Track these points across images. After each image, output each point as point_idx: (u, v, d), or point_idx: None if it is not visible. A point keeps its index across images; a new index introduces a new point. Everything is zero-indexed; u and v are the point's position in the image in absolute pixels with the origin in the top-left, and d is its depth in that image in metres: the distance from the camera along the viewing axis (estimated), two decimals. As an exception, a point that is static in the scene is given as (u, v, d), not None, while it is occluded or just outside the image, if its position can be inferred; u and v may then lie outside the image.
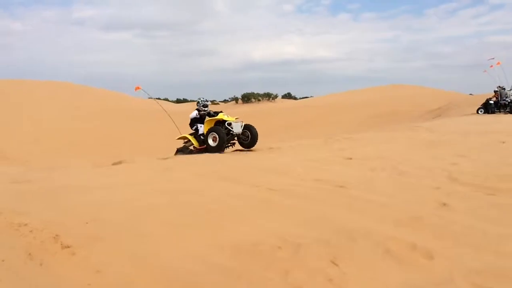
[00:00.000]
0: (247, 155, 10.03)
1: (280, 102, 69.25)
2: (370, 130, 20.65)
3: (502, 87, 24.28)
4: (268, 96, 70.60)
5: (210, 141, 10.42)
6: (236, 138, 11.04)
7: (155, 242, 3.95)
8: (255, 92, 71.10)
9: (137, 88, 12.03)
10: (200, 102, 11.46)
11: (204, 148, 10.82)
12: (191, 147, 11.33)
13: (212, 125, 10.77)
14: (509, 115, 21.30)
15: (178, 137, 11.76)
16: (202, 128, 11.14)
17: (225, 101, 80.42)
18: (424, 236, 4.16)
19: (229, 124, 10.73)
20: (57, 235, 3.94)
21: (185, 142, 11.60)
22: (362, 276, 3.28)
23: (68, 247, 3.74)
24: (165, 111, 12.85)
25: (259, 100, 69.18)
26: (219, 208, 5.03)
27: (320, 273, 3.31)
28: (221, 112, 11.17)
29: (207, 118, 11.04)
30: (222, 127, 10.63)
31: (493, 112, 22.21)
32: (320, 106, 53.56)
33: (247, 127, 10.89)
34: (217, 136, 10.28)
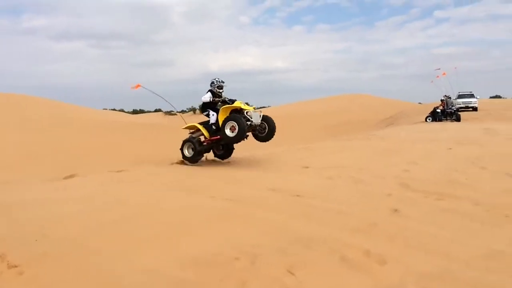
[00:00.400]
0: (200, 165, 9.96)
1: (238, 112, 69.44)
2: (326, 139, 21.07)
3: (448, 96, 25.53)
4: (226, 106, 70.56)
5: (228, 131, 9.11)
6: (251, 130, 9.77)
7: (109, 257, 3.84)
8: (214, 103, 70.80)
9: (138, 86, 10.71)
10: (215, 83, 9.94)
11: (217, 139, 9.63)
12: (201, 137, 9.98)
13: (228, 114, 9.45)
14: (455, 122, 22.37)
15: (185, 126, 10.42)
16: (214, 117, 9.72)
17: (183, 111, 79.61)
18: (378, 242, 4.27)
19: (247, 113, 9.42)
20: (3, 254, 3.76)
21: (191, 133, 10.26)
22: (317, 284, 3.33)
23: (16, 266, 3.57)
24: (171, 104, 12.78)
25: (217, 110, 69.04)
26: (175, 220, 4.96)
27: (277, 283, 3.33)
28: (235, 100, 9.71)
29: (223, 106, 9.64)
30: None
31: (440, 120, 23.27)
32: (277, 116, 53.94)
33: (265, 119, 9.76)
34: (236, 126, 8.96)
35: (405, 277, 3.51)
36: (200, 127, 9.98)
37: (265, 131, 9.70)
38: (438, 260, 3.98)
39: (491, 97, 74.16)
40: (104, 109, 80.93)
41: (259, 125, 9.64)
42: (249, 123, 9.32)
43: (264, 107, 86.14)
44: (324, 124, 42.21)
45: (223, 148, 10.37)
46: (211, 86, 9.91)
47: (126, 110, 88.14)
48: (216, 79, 9.95)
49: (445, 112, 23.55)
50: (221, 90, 9.90)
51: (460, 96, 32.46)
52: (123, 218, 5.12)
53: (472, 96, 32.82)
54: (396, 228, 4.78)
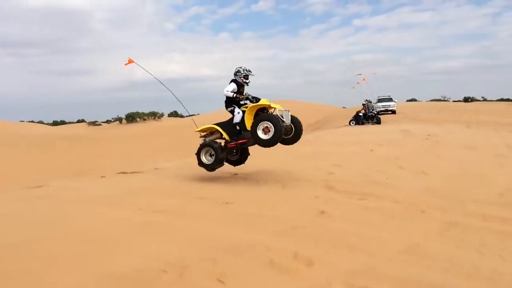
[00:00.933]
0: (127, 177, 9.62)
1: (167, 121, 68.21)
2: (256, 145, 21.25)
3: (369, 100, 26.94)
4: (154, 115, 68.98)
5: (260, 133, 7.63)
6: None
7: (25, 280, 3.56)
8: (140, 112, 69.06)
9: (130, 61, 9.01)
10: (241, 71, 8.34)
11: (243, 143, 8.18)
12: (220, 142, 8.40)
13: (254, 113, 8.07)
14: (376, 125, 23.61)
15: (199, 128, 8.70)
16: (240, 115, 8.13)
17: (108, 121, 76.80)
18: (305, 244, 4.37)
19: (278, 112, 8.03)
20: None
21: (204, 135, 8.64)
22: (248, 291, 3.32)
23: None
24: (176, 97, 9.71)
25: (144, 120, 67.26)
26: (96, 236, 4.72)
27: (207, 293, 3.28)
28: (259, 98, 8.26)
29: (250, 104, 8.10)
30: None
31: (363, 123, 24.46)
32: (207, 123, 53.82)
33: (292, 119, 8.30)
34: (271, 127, 7.52)
35: (331, 277, 3.61)
36: (218, 128, 8.40)
37: (291, 132, 8.25)
38: (362, 257, 4.14)
39: (407, 100, 79.46)
40: (21, 121, 75.78)
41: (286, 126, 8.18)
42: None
43: (193, 114, 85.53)
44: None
45: (237, 153, 8.87)
46: (235, 75, 8.36)
47: (45, 122, 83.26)
48: (243, 68, 8.41)
49: (367, 116, 24.80)
50: (247, 81, 8.41)
51: (379, 100, 34.34)
52: (40, 236, 4.78)
53: (390, 100, 34.85)
54: (323, 229, 4.92)
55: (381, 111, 31.79)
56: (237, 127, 8.17)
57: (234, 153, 8.72)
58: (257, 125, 7.64)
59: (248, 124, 7.92)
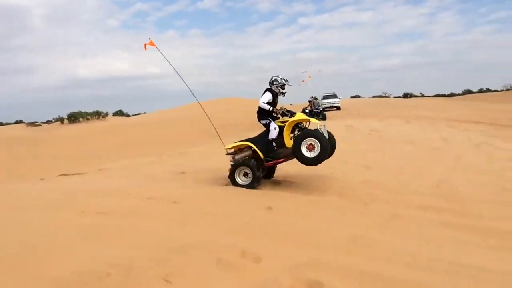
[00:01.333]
0: (69, 179, 9.26)
1: (112, 120, 66.15)
2: (203, 143, 21.17)
3: (314, 97, 27.55)
4: (98, 115, 66.54)
5: (304, 150, 6.92)
6: None
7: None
8: (83, 111, 66.41)
9: (151, 44, 8.01)
10: (279, 81, 7.63)
11: (280, 162, 7.48)
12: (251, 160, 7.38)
13: (291, 128, 7.43)
14: (321, 122, 24.18)
15: (230, 146, 7.70)
16: (276, 130, 7.42)
17: (48, 121, 73.32)
18: (252, 240, 4.40)
19: (319, 128, 7.26)
20: None
21: (233, 152, 7.68)
22: (195, 290, 3.30)
23: None
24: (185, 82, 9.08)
25: (88, 119, 64.76)
26: (39, 241, 4.50)
27: (153, 294, 3.22)
28: (294, 112, 7.66)
29: (288, 120, 7.40)
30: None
31: (309, 120, 24.95)
32: (153, 122, 52.81)
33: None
34: (317, 144, 6.86)
35: (279, 271, 3.66)
36: (251, 145, 7.52)
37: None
38: (309, 250, 4.24)
39: (351, 97, 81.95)
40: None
41: None
42: None
43: (139, 113, 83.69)
44: (202, 129, 42.35)
45: (264, 169, 7.87)
46: (272, 85, 7.67)
47: (-21, 124, 78.13)
48: (280, 77, 7.69)
49: (313, 112, 25.30)
50: (284, 91, 7.75)
51: (325, 97, 35.20)
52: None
53: (335, 96, 35.80)
54: (270, 225, 4.98)
55: (326, 107, 32.57)
56: (273, 143, 7.46)
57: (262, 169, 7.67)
58: (301, 142, 6.95)
59: (287, 140, 7.37)
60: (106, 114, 68.86)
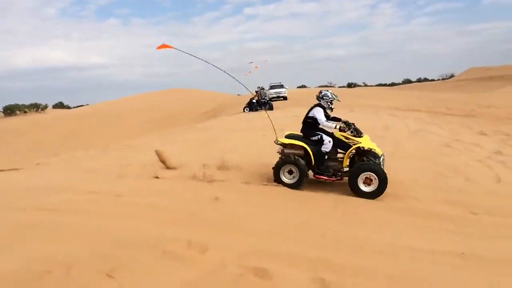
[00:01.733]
0: (4, 175, 8.76)
1: (52, 113, 63.15)
2: (150, 135, 20.73)
3: (261, 87, 27.65)
4: (36, 107, 63.25)
5: (361, 184, 6.56)
6: None
7: None
8: (20, 104, 62.86)
9: (166, 46, 7.14)
10: (330, 96, 7.32)
11: (332, 180, 7.00)
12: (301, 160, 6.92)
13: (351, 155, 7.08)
14: (269, 111, 24.33)
15: (285, 141, 7.19)
16: (330, 144, 7.00)
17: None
18: (199, 231, 4.38)
19: (377, 156, 6.93)
20: None
21: (284, 154, 7.11)
22: (139, 284, 3.24)
23: None
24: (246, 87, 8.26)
25: (25, 112, 61.38)
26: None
27: (94, 290, 3.14)
28: (361, 132, 7.12)
29: (356, 141, 6.93)
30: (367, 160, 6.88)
31: (256, 110, 25.01)
32: (97, 114, 51.05)
33: None
34: (376, 178, 6.51)
35: (226, 260, 3.67)
36: (308, 149, 7.00)
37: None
38: (256, 238, 4.28)
39: (298, 87, 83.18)
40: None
41: None
42: None
43: (82, 105, 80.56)
44: (148, 120, 41.51)
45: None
46: (321, 99, 7.34)
47: None
48: (330, 92, 7.40)
49: (260, 102, 25.42)
50: (332, 107, 7.39)
51: (272, 87, 35.41)
52: None
53: (282, 86, 36.11)
54: (217, 215, 4.98)
55: (274, 97, 32.81)
56: (325, 156, 7.10)
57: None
58: (358, 174, 6.61)
59: (346, 160, 7.06)
60: (46, 107, 65.68)
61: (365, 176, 6.57)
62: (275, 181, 6.90)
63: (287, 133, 7.39)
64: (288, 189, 6.59)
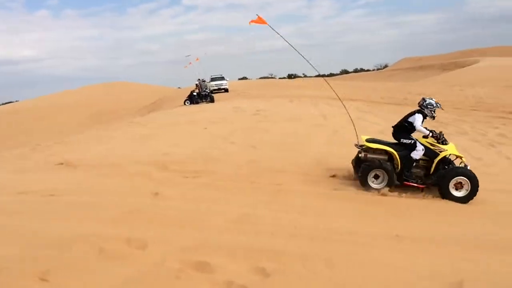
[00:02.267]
0: None
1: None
2: (86, 130, 19.97)
3: (202, 79, 27.35)
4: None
5: (452, 189, 6.59)
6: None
7: None
8: None
9: (260, 21, 7.08)
10: (434, 105, 7.11)
11: (420, 187, 6.91)
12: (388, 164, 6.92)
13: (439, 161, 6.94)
14: (210, 104, 24.16)
15: (372, 145, 7.07)
16: (421, 152, 6.92)
17: None
18: (138, 228, 4.29)
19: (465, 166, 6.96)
20: None
21: (367, 149, 7.06)
22: (75, 285, 3.12)
23: None
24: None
25: None
26: None
27: (26, 294, 2.99)
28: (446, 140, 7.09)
29: (443, 148, 6.94)
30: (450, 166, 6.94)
31: (197, 103, 24.74)
32: (29, 110, 48.32)
33: None
34: (468, 183, 6.54)
35: (166, 256, 3.63)
36: (396, 154, 6.97)
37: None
38: (196, 232, 4.26)
39: (239, 79, 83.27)
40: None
41: None
42: None
43: (11, 102, 75.85)
44: (85, 115, 39.90)
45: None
46: (425, 108, 7.13)
47: None
48: (434, 101, 7.21)
49: (201, 95, 25.16)
50: (435, 115, 7.23)
51: (212, 79, 35.13)
52: None
53: (223, 78, 35.94)
54: (157, 211, 4.91)
55: (215, 89, 32.59)
56: (414, 163, 7.05)
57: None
58: (450, 179, 6.64)
59: (434, 167, 6.99)
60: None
61: (456, 181, 6.62)
62: (362, 186, 6.75)
63: (366, 137, 7.26)
64: (228, 181, 6.60)
